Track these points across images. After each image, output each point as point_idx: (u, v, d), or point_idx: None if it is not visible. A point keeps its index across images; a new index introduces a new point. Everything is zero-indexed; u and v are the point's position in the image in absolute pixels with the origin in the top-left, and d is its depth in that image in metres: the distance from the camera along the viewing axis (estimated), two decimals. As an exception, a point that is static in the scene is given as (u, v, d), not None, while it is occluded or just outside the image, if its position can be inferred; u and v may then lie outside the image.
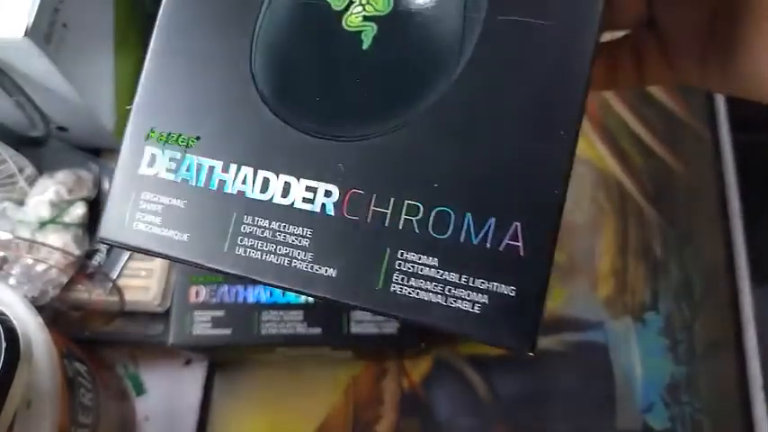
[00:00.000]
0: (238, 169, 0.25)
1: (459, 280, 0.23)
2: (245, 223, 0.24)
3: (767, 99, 0.26)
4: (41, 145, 0.37)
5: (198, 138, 0.25)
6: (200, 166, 0.25)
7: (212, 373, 0.44)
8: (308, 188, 0.24)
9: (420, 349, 0.42)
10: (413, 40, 0.25)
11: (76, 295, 0.40)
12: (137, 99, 0.27)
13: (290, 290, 0.24)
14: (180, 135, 0.25)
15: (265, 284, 0.25)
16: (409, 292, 0.23)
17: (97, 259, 0.41)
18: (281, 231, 0.24)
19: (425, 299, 0.23)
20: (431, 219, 0.24)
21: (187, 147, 0.25)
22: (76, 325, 0.40)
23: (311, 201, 0.24)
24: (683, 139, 0.48)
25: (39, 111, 0.37)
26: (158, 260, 0.41)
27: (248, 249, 0.24)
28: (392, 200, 0.24)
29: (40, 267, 0.38)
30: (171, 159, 0.25)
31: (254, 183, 0.25)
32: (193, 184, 0.25)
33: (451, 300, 0.23)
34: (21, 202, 0.41)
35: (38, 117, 0.37)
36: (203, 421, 0.43)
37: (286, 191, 0.24)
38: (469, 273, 0.23)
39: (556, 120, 0.24)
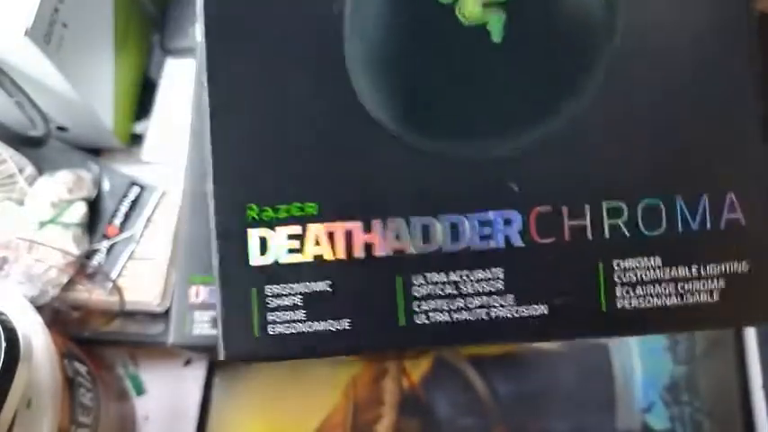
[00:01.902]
0: (384, 224, 0.21)
1: (691, 272, 0.21)
2: (415, 285, 0.21)
3: None
4: (41, 145, 0.37)
5: (317, 201, 0.21)
6: (332, 235, 0.21)
7: (212, 373, 0.44)
8: (482, 222, 0.21)
9: (420, 349, 0.42)
10: (554, 20, 0.21)
11: (76, 295, 0.40)
12: (212, 170, 0.22)
13: (499, 342, 0.22)
14: (291, 204, 0.22)
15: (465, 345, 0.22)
16: (639, 303, 0.21)
17: (97, 259, 0.41)
18: (466, 281, 0.21)
19: (659, 304, 0.21)
20: (639, 216, 0.21)
21: (306, 216, 0.22)
22: (76, 325, 0.40)
23: (490, 237, 0.21)
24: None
25: (38, 110, 0.37)
26: (159, 259, 0.41)
27: (431, 314, 0.21)
28: (587, 207, 0.21)
29: (39, 267, 0.38)
30: (290, 237, 0.22)
31: (410, 235, 0.21)
32: (331, 257, 0.21)
33: (688, 296, 0.21)
34: (20, 202, 0.41)
35: (37, 117, 0.37)
36: (203, 421, 0.43)
37: (455, 233, 0.21)
38: (699, 261, 0.21)
39: (738, 62, 0.21)
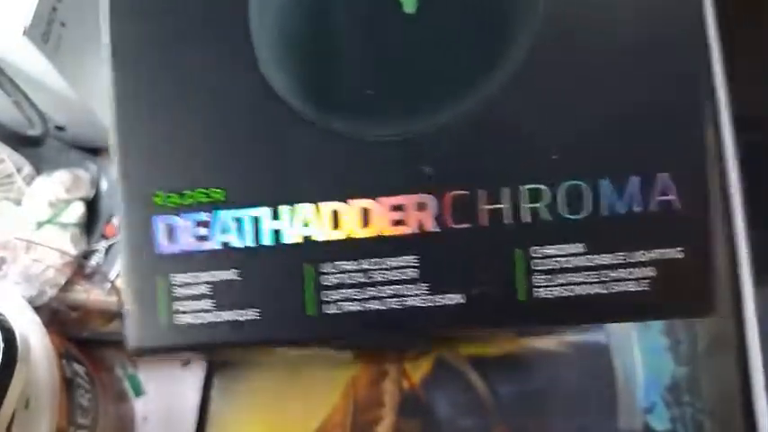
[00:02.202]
0: (293, 210, 0.20)
1: (617, 260, 0.20)
2: (325, 274, 0.20)
3: None
4: (39, 144, 0.37)
5: (223, 186, 0.21)
6: (239, 222, 0.21)
7: (211, 374, 0.43)
8: (394, 207, 0.20)
9: (420, 350, 0.41)
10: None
11: (75, 295, 0.40)
12: (117, 159, 0.21)
13: (413, 335, 0.21)
14: (197, 190, 0.21)
15: (378, 336, 0.21)
16: (560, 293, 0.20)
17: (95, 259, 0.41)
18: (377, 269, 0.20)
19: (582, 294, 0.20)
20: (561, 199, 0.20)
21: (212, 202, 0.21)
22: (75, 325, 0.40)
23: (402, 222, 0.20)
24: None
25: (36, 110, 0.37)
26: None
27: (342, 304, 0.20)
28: (505, 191, 0.20)
29: (37, 267, 0.38)
30: (197, 224, 0.21)
31: (319, 221, 0.20)
32: (239, 245, 0.21)
33: (612, 285, 0.20)
34: (18, 202, 0.41)
35: (36, 116, 0.37)
36: (202, 422, 0.43)
37: (366, 219, 0.20)
38: (627, 247, 0.20)
39: (680, 36, 0.19)
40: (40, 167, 0.42)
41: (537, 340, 0.43)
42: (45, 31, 0.34)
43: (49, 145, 0.41)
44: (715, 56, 0.47)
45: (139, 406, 0.43)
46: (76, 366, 0.35)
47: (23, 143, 0.39)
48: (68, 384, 0.33)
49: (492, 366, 0.43)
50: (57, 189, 0.40)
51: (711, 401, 0.42)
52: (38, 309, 0.34)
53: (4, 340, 0.28)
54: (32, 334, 0.32)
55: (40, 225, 0.39)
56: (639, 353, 0.43)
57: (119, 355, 0.43)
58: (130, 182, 0.21)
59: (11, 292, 0.33)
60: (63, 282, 0.39)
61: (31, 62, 0.35)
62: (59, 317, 0.39)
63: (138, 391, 0.43)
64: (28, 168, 0.41)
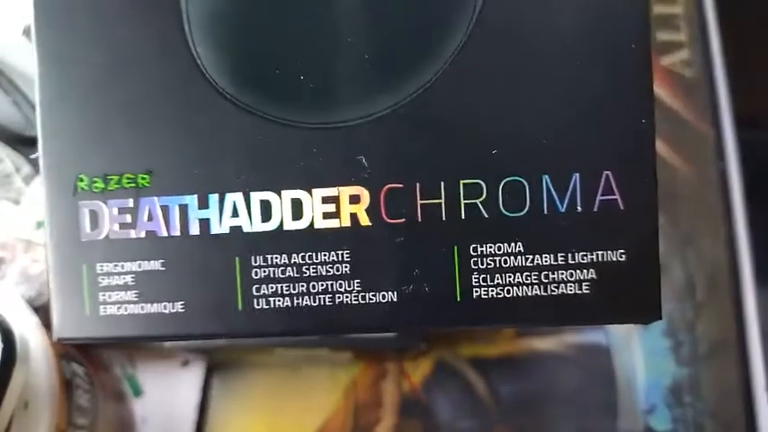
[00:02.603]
0: (222, 199, 0.20)
1: (557, 260, 0.19)
2: (254, 267, 0.20)
3: None
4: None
5: (149, 171, 0.20)
6: (166, 209, 0.20)
7: (210, 375, 0.43)
8: (326, 199, 0.19)
9: (420, 350, 0.41)
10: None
11: (74, 296, 0.40)
12: (40, 140, 0.20)
13: (344, 333, 0.20)
14: (122, 175, 0.20)
15: (310, 336, 0.20)
16: (497, 293, 0.19)
17: (95, 260, 0.41)
18: (309, 264, 0.20)
19: (520, 295, 0.19)
20: (500, 196, 0.19)
21: (138, 188, 0.20)
22: (74, 326, 0.40)
23: (335, 214, 0.19)
24: (685, 138, 0.48)
25: (35, 110, 0.37)
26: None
27: (271, 299, 0.20)
28: (443, 185, 0.19)
29: (36, 268, 0.38)
30: (121, 211, 0.20)
31: (249, 212, 0.20)
32: (164, 234, 0.20)
33: (552, 287, 0.19)
34: (17, 202, 0.40)
35: (35, 116, 0.37)
36: (201, 423, 0.42)
37: (297, 211, 0.19)
38: (567, 248, 0.19)
39: (621, 30, 0.19)
40: (38, 168, 0.41)
41: (537, 341, 0.43)
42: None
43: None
44: (716, 54, 0.46)
45: (138, 406, 0.43)
46: (75, 367, 0.35)
47: (22, 143, 0.39)
48: (67, 385, 0.33)
49: (492, 367, 0.43)
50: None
51: (713, 403, 0.42)
52: (37, 309, 0.34)
53: (3, 341, 0.28)
54: (31, 334, 0.32)
55: (39, 225, 0.39)
56: (640, 354, 0.43)
57: (117, 355, 0.43)
58: (53, 164, 0.20)
59: (10, 292, 0.33)
60: (62, 282, 0.39)
61: (30, 62, 0.35)
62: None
63: (137, 391, 0.43)
64: (27, 168, 0.41)
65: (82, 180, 0.20)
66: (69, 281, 0.20)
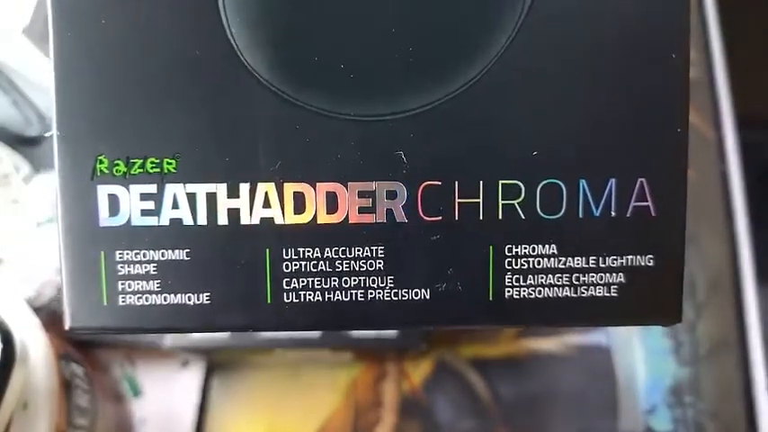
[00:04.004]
0: (253, 188, 0.19)
1: (588, 263, 0.19)
2: (285, 260, 0.19)
3: None
4: (37, 144, 0.37)
5: (176, 156, 0.19)
6: (192, 197, 0.19)
7: (210, 375, 0.43)
8: (363, 194, 0.19)
9: (421, 351, 0.41)
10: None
11: (73, 296, 0.40)
12: (55, 116, 0.19)
13: (374, 329, 0.19)
14: (147, 158, 0.19)
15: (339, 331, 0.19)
16: (529, 294, 0.19)
17: (94, 260, 0.41)
18: (342, 258, 0.19)
19: (551, 296, 0.19)
20: (537, 198, 0.19)
21: (163, 173, 0.19)
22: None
23: (371, 209, 0.19)
24: (686, 139, 0.48)
25: (35, 109, 0.37)
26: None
27: (301, 293, 0.19)
28: (481, 184, 0.19)
29: (36, 268, 0.38)
30: (144, 197, 0.19)
31: (282, 203, 0.19)
32: (190, 222, 0.19)
33: (582, 289, 0.19)
34: (16, 201, 0.40)
35: (34, 116, 0.37)
36: (200, 423, 0.42)
37: (332, 204, 0.19)
38: (599, 252, 0.19)
39: (663, 40, 0.19)
40: (38, 167, 0.41)
41: (538, 342, 0.43)
42: (44, 30, 0.34)
43: (48, 145, 0.40)
44: (716, 55, 0.46)
45: (137, 407, 0.42)
46: (75, 367, 0.35)
47: (21, 143, 0.39)
48: (67, 385, 0.33)
49: (493, 368, 0.43)
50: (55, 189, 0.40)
51: (713, 403, 0.42)
52: (36, 310, 0.34)
53: (3, 341, 0.28)
54: (31, 335, 0.32)
55: (38, 225, 0.39)
56: (641, 354, 0.43)
57: (116, 355, 0.43)
58: (69, 143, 0.19)
59: (9, 292, 0.33)
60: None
61: (30, 61, 0.35)
62: (58, 318, 0.39)
63: (137, 392, 0.43)
64: (26, 168, 0.40)
65: (102, 162, 0.19)
66: (84, 268, 0.19)
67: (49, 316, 0.39)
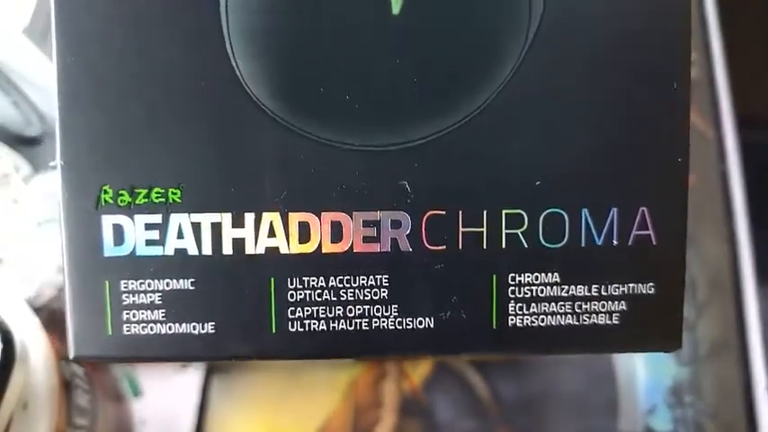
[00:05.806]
0: (258, 218, 0.19)
1: (590, 291, 0.20)
2: (290, 289, 0.19)
3: None
4: (37, 144, 0.37)
5: (181, 186, 0.19)
6: (197, 227, 0.19)
7: (210, 375, 0.43)
8: (367, 223, 0.19)
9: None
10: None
11: (73, 296, 0.40)
12: (59, 144, 0.19)
13: (379, 358, 0.20)
14: (152, 188, 0.19)
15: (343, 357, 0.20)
16: (532, 322, 0.19)
17: (94, 260, 0.41)
18: (347, 287, 0.19)
19: (554, 324, 0.20)
20: (540, 227, 0.19)
21: (168, 203, 0.19)
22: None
23: (375, 239, 0.19)
24: (686, 139, 0.48)
25: (35, 109, 0.37)
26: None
27: (306, 322, 0.19)
28: (485, 214, 0.19)
29: (36, 268, 0.38)
30: (149, 226, 0.19)
31: (287, 233, 0.19)
32: (195, 252, 0.19)
33: (584, 317, 0.20)
34: (16, 201, 0.40)
35: (34, 116, 0.37)
36: (200, 424, 0.42)
37: (337, 233, 0.19)
38: (601, 280, 0.19)
39: (664, 71, 0.19)
40: (38, 167, 0.41)
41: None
42: (44, 30, 0.34)
43: (48, 144, 0.40)
44: (716, 55, 0.46)
45: (138, 407, 0.42)
46: (75, 367, 0.35)
47: (21, 143, 0.39)
48: (67, 385, 0.33)
49: (493, 368, 0.43)
50: (55, 188, 0.40)
51: (713, 403, 0.42)
52: (37, 310, 0.34)
53: (3, 341, 0.28)
54: (31, 335, 0.32)
55: (38, 225, 0.39)
56: (641, 354, 0.43)
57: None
58: (74, 173, 0.19)
59: (9, 292, 0.33)
60: (62, 282, 0.39)
61: (30, 61, 0.35)
62: (58, 318, 0.39)
63: (137, 392, 0.43)
64: (26, 168, 0.40)
65: (106, 192, 0.19)
66: (89, 297, 0.20)
67: (49, 316, 0.39)
